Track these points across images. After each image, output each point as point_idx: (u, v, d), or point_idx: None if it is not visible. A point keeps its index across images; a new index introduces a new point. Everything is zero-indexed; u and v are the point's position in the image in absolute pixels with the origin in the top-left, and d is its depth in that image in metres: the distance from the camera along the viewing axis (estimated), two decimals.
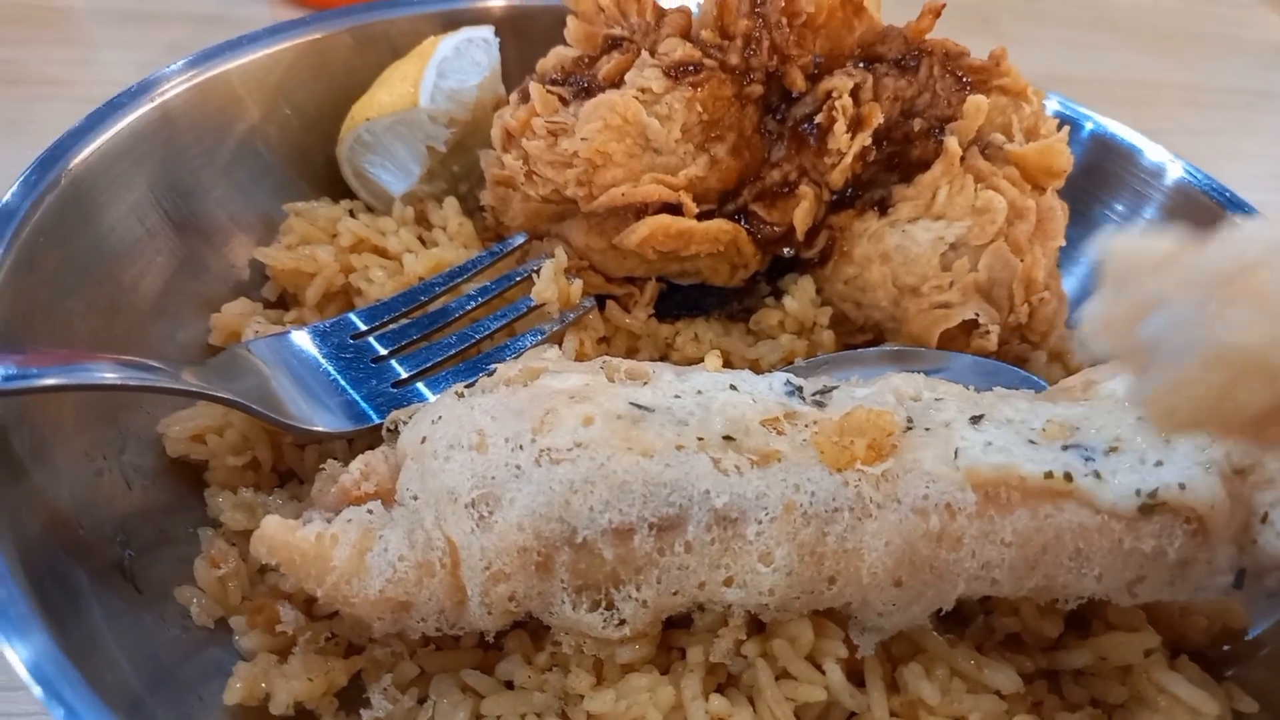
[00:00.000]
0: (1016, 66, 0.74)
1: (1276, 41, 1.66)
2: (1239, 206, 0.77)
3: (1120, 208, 0.83)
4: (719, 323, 0.74)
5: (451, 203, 0.75)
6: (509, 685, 0.53)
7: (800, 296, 0.72)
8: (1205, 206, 0.78)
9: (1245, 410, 0.30)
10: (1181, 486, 0.49)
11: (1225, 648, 0.59)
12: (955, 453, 0.51)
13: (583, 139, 0.66)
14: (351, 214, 0.75)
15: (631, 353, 0.72)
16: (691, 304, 0.75)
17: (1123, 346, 0.34)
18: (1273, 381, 0.29)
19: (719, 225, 0.69)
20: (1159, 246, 0.33)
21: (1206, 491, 0.49)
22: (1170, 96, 1.44)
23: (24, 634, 0.43)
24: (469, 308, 0.67)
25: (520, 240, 0.71)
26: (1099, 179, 0.83)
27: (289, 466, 0.62)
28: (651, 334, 0.73)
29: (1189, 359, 0.31)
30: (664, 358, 0.73)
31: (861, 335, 0.75)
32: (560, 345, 0.67)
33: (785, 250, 0.73)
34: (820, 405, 0.55)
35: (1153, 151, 0.83)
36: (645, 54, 0.69)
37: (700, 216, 0.69)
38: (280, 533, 0.48)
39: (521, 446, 0.51)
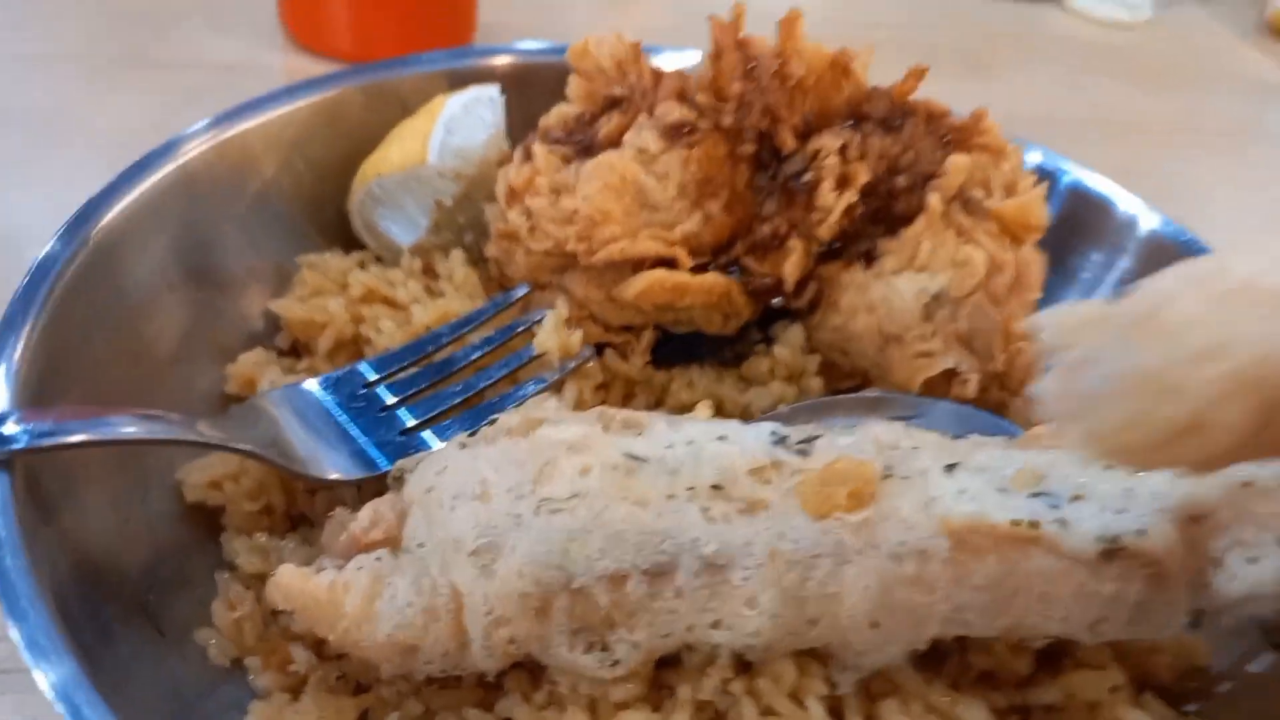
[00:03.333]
0: (997, 125, 0.78)
1: (1260, 78, 1.70)
2: (1205, 252, 0.81)
3: (1097, 257, 0.87)
4: (712, 369, 0.77)
5: (458, 254, 0.78)
6: None
7: (790, 344, 0.76)
8: (1175, 254, 0.82)
9: (1161, 432, 0.32)
10: (1140, 533, 0.53)
11: (1191, 684, 0.62)
12: (930, 501, 0.54)
13: (583, 198, 0.70)
14: (362, 265, 0.78)
15: (628, 398, 0.75)
16: (686, 351, 0.78)
17: (1068, 410, 0.37)
18: (1179, 399, 0.32)
19: (713, 279, 0.72)
20: (1087, 309, 0.36)
21: (1163, 538, 0.53)
22: (1159, 133, 1.48)
23: (53, 661, 0.45)
24: (474, 357, 0.70)
25: (523, 291, 0.75)
26: (1077, 229, 0.87)
27: (301, 511, 0.65)
28: (648, 380, 0.76)
29: (1109, 398, 0.34)
30: (659, 402, 0.76)
31: (849, 381, 0.78)
32: (560, 392, 0.70)
33: (776, 300, 0.76)
34: (804, 454, 0.59)
35: (1126, 202, 0.87)
36: (643, 115, 0.73)
37: (694, 269, 0.72)
38: (296, 581, 0.52)
39: (522, 496, 0.54)
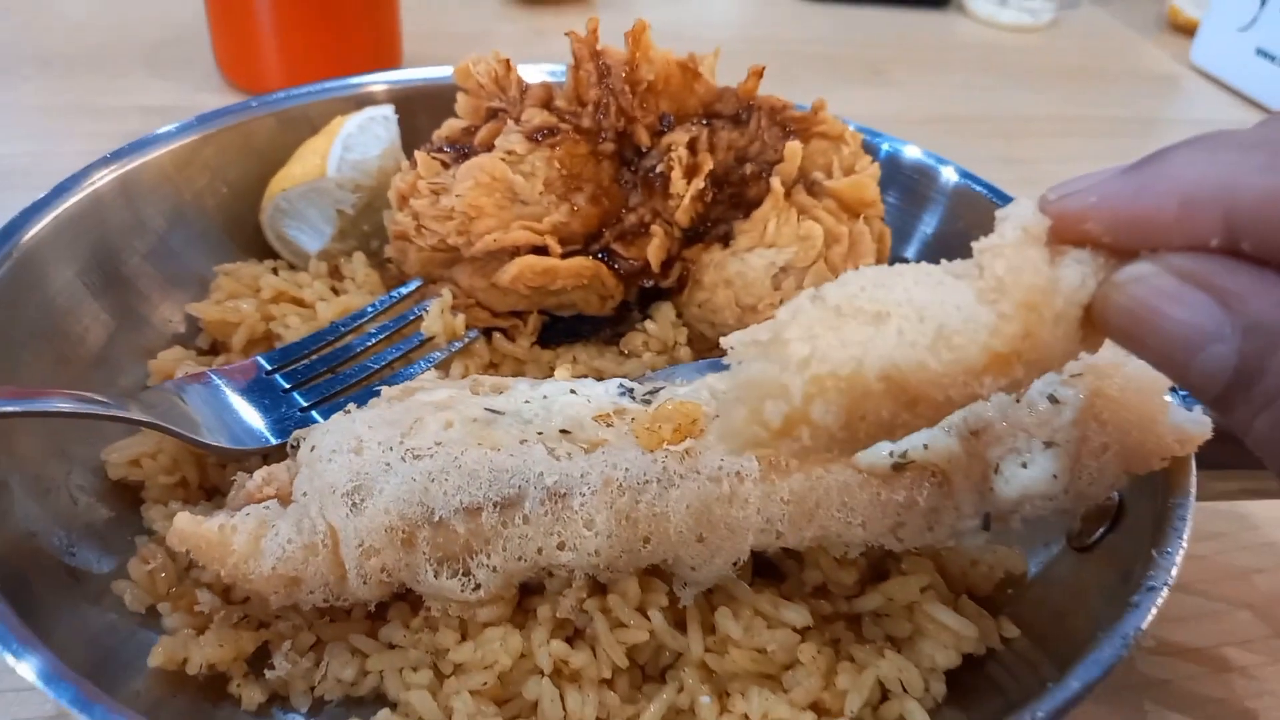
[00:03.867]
0: (834, 114, 0.87)
1: (1159, 72, 1.79)
2: (1005, 200, 0.90)
3: (908, 209, 0.96)
4: (594, 346, 0.86)
5: (359, 257, 0.87)
6: (390, 646, 0.63)
7: (661, 320, 0.84)
8: (981, 203, 0.91)
9: (774, 426, 0.40)
10: (925, 447, 0.61)
11: (1009, 591, 0.70)
12: None
13: (458, 195, 0.78)
14: (275, 271, 0.87)
15: (517, 375, 0.83)
16: (571, 332, 0.87)
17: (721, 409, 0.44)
18: (783, 400, 0.40)
19: (580, 262, 0.81)
20: (752, 332, 0.43)
21: (945, 449, 0.61)
22: (1056, 127, 1.57)
23: (17, 643, 0.52)
24: (369, 344, 0.78)
25: (415, 284, 0.83)
26: (907, 197, 0.96)
27: (214, 484, 0.73)
28: (535, 360, 0.84)
29: (737, 400, 0.41)
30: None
31: (716, 351, 0.86)
32: (447, 372, 0.79)
33: (646, 281, 0.85)
34: (647, 403, 0.67)
35: (913, 153, 0.97)
36: (511, 122, 0.82)
37: (565, 256, 0.81)
38: (189, 525, 0.59)
39: (392, 448, 0.62)
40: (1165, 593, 0.55)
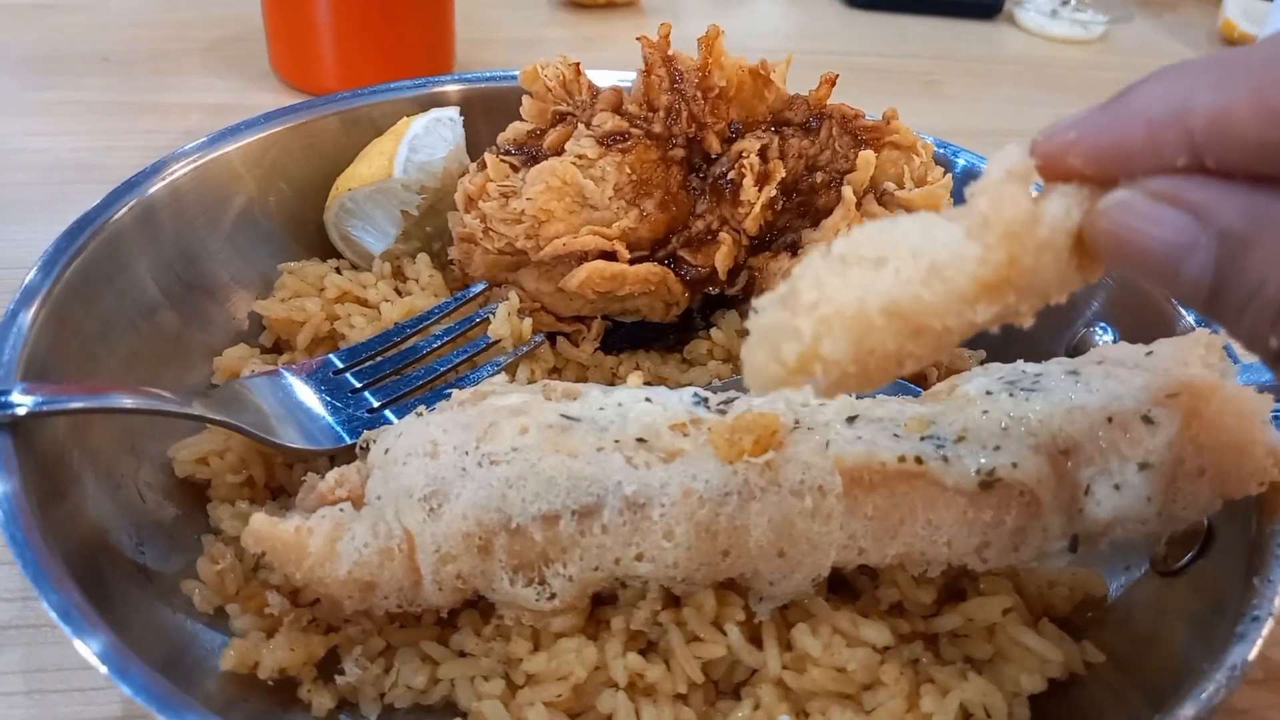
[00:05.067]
0: (934, 124, 0.85)
1: None
2: None
3: None
4: (658, 354, 0.85)
5: (424, 258, 0.87)
6: (461, 654, 0.62)
7: (726, 328, 0.83)
8: None
9: (791, 363, 0.43)
10: (1014, 465, 0.59)
11: (1089, 614, 0.68)
12: (828, 445, 0.61)
13: (528, 199, 0.78)
14: (338, 271, 0.87)
15: (581, 381, 0.82)
16: (634, 339, 0.86)
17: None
18: (797, 339, 0.43)
19: (648, 268, 0.80)
20: (770, 295, 0.46)
21: (1034, 469, 0.59)
22: None
23: (86, 627, 0.51)
24: (435, 346, 0.78)
25: (480, 287, 0.82)
26: None
27: (280, 483, 0.72)
28: (598, 365, 0.83)
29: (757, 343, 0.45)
30: (610, 385, 0.83)
31: None
32: (514, 376, 0.78)
33: (712, 289, 0.84)
34: (723, 413, 0.66)
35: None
36: (582, 126, 0.81)
37: (633, 262, 0.80)
38: (265, 526, 0.59)
39: (467, 452, 0.61)
40: (1270, 623, 0.53)
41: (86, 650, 0.50)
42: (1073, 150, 0.44)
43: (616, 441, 0.62)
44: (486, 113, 0.97)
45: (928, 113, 1.53)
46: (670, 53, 0.82)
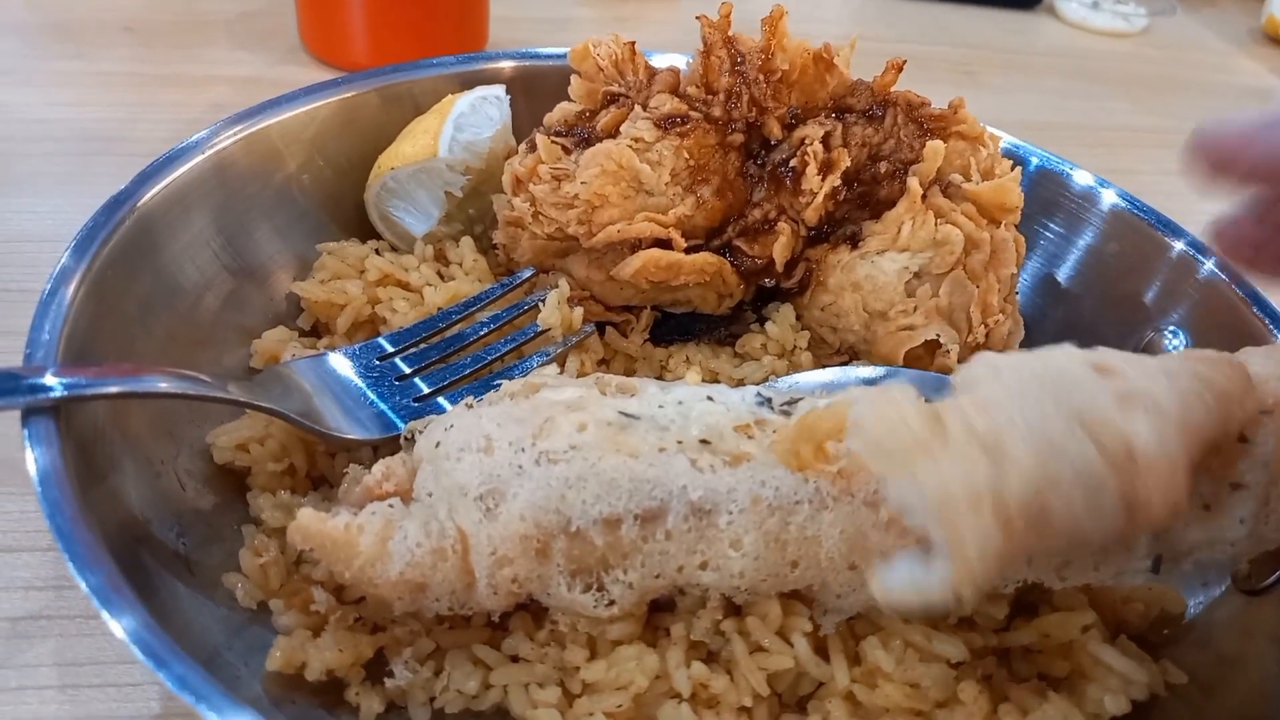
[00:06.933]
0: (974, 115, 0.82)
1: (1255, 86, 1.73)
2: (1167, 226, 0.85)
3: (1059, 229, 0.91)
4: (708, 346, 0.82)
5: (468, 241, 0.83)
6: (514, 659, 0.60)
7: (781, 322, 0.80)
8: (1136, 227, 0.86)
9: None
10: None
11: (1165, 631, 0.65)
12: None
13: (582, 183, 0.74)
14: (378, 252, 0.84)
15: (629, 374, 0.79)
16: (684, 330, 0.83)
17: None
18: None
19: (705, 258, 0.77)
20: None
21: None
22: (1147, 140, 1.51)
23: (125, 610, 0.49)
24: (482, 333, 0.75)
25: (528, 274, 0.79)
26: (1045, 209, 0.91)
27: (321, 473, 0.69)
28: (647, 357, 0.80)
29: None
30: (659, 377, 0.80)
31: (838, 357, 0.82)
32: (563, 366, 0.75)
33: (767, 280, 0.81)
34: (787, 414, 0.63)
35: (1083, 178, 0.91)
36: (638, 108, 0.78)
37: (688, 251, 0.77)
38: (314, 522, 0.56)
39: (523, 449, 0.58)
40: None
41: (120, 631, 0.47)
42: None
43: (679, 442, 0.59)
44: (525, 92, 0.93)
45: (969, 103, 1.49)
46: (731, 34, 0.79)
